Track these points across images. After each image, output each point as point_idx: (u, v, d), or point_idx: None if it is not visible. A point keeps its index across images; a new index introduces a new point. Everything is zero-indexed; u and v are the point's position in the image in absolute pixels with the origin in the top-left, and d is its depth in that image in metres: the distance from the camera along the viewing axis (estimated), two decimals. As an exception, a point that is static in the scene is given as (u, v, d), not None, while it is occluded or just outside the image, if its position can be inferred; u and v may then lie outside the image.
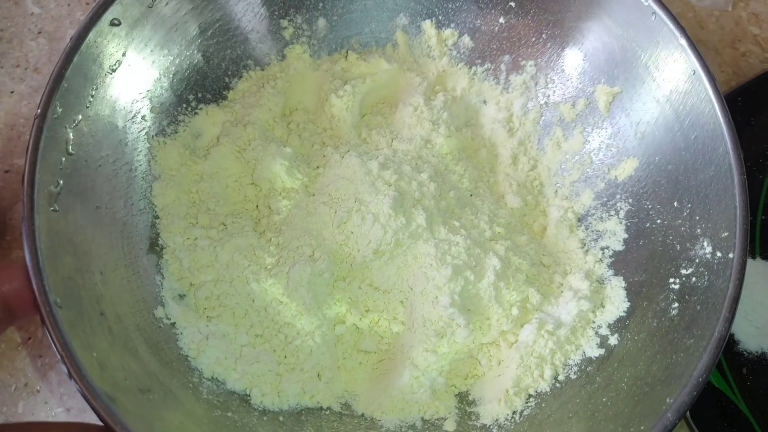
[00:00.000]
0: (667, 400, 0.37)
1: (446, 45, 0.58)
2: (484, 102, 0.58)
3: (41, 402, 0.50)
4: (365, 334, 0.48)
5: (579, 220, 0.53)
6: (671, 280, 0.44)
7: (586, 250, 0.51)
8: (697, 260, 0.44)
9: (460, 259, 0.47)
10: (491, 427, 0.44)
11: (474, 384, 0.47)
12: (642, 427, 0.37)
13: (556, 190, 0.54)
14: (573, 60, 0.54)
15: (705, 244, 0.44)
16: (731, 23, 0.67)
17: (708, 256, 0.43)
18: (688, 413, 0.47)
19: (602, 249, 0.50)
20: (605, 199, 0.52)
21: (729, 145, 0.44)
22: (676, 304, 0.43)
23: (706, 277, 0.42)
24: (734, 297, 0.40)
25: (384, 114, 0.57)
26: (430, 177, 0.51)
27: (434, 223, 0.49)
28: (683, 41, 0.47)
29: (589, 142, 0.54)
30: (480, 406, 0.45)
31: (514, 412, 0.44)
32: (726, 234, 0.42)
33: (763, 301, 0.52)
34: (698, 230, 0.44)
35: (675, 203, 0.47)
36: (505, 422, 0.44)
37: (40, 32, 0.62)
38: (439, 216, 0.49)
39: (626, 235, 0.50)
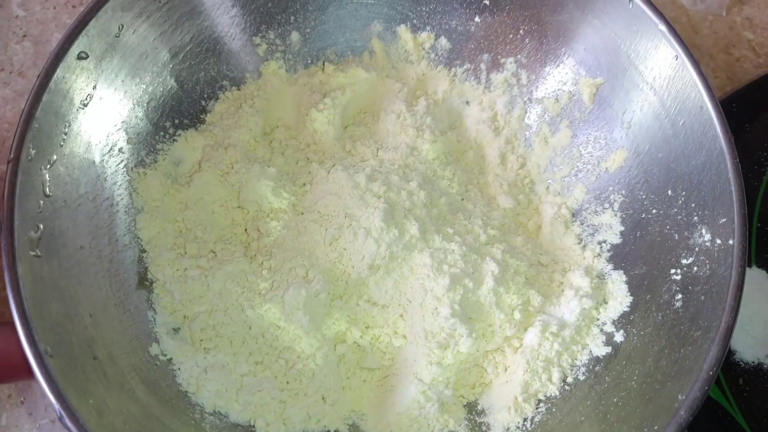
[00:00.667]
0: (679, 397, 0.37)
1: (423, 48, 0.57)
2: (467, 103, 0.57)
3: (25, 414, 0.49)
4: (367, 351, 0.47)
5: (573, 215, 0.52)
6: (672, 270, 0.44)
7: (584, 246, 0.50)
8: (696, 249, 0.43)
9: (457, 267, 0.46)
10: (504, 438, 0.43)
11: (482, 393, 0.46)
12: (656, 427, 0.36)
13: (548, 187, 0.54)
14: (553, 54, 0.54)
15: (703, 231, 0.43)
16: (725, 28, 0.66)
17: (708, 243, 0.42)
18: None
19: (600, 243, 0.50)
20: (598, 192, 0.51)
21: (718, 128, 0.43)
22: (680, 296, 0.43)
23: (708, 266, 0.42)
24: (738, 285, 0.39)
25: (367, 124, 0.56)
26: (419, 185, 0.50)
27: (428, 232, 0.48)
28: (663, 27, 0.46)
29: (576, 135, 0.53)
30: (490, 416, 0.44)
31: (525, 420, 0.43)
32: (724, 220, 0.42)
33: (760, 310, 0.51)
34: (695, 218, 0.44)
35: (669, 192, 0.46)
36: (517, 431, 0.43)
37: (25, 35, 0.61)
38: (431, 224, 0.49)
39: (623, 228, 0.49)
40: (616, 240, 0.49)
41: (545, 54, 0.54)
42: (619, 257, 0.48)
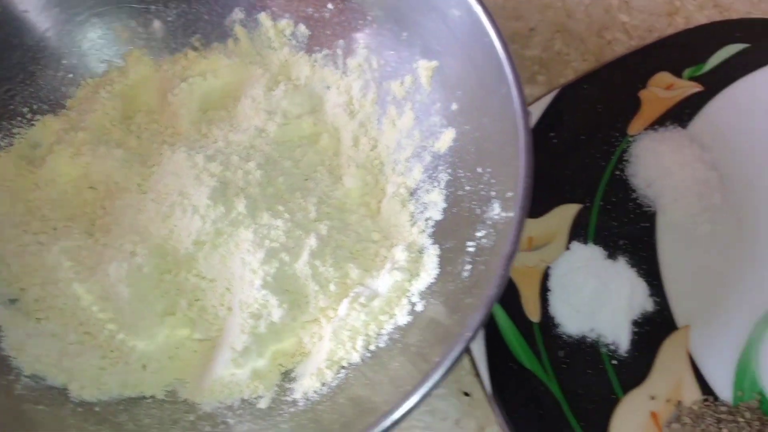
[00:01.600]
0: (435, 360, 0.38)
1: (284, 35, 0.59)
2: (328, 88, 0.59)
3: None
4: (197, 322, 0.49)
5: (411, 194, 0.54)
6: (469, 243, 0.45)
7: (414, 223, 0.52)
8: (489, 222, 0.45)
9: (278, 241, 0.48)
10: (299, 400, 0.45)
11: (300, 362, 0.48)
12: (408, 387, 0.38)
13: (394, 168, 0.55)
14: (396, 39, 0.55)
15: (496, 205, 0.44)
16: (600, 11, 0.67)
17: (497, 217, 0.44)
18: (492, 393, 0.48)
19: (426, 220, 0.51)
20: (431, 172, 0.53)
21: (516, 105, 0.44)
22: (469, 266, 0.44)
23: (493, 238, 0.43)
24: (508, 254, 0.40)
25: (228, 108, 0.59)
26: (259, 165, 0.52)
27: (257, 209, 0.50)
28: (478, 8, 0.48)
29: (418, 117, 0.55)
30: (297, 382, 0.46)
31: (323, 384, 0.45)
32: (511, 194, 0.43)
33: (585, 284, 0.52)
34: (492, 192, 0.45)
35: (479, 169, 0.48)
36: (313, 394, 0.45)
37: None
38: (263, 202, 0.51)
39: (445, 205, 0.51)
40: (439, 216, 0.50)
41: (390, 39, 0.56)
42: (438, 233, 0.50)
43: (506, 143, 0.45)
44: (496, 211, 0.44)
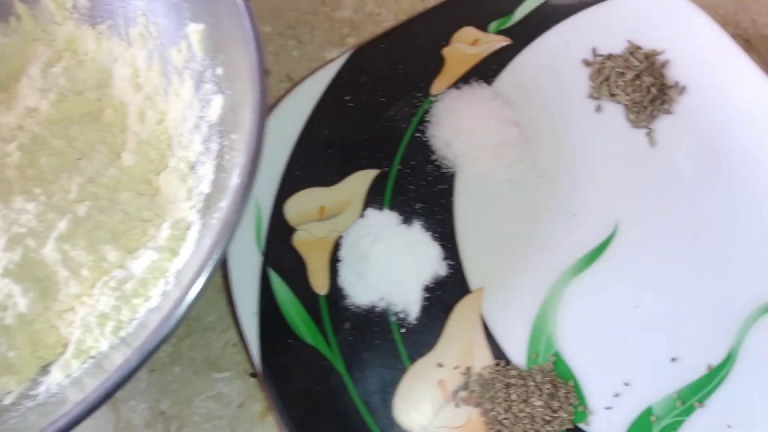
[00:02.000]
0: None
1: (66, 8, 0.56)
2: (115, 61, 0.56)
3: None
4: (-47, 319, 0.46)
5: (192, 168, 0.51)
6: (215, 215, 0.43)
7: (189, 198, 0.49)
8: (229, 191, 0.42)
9: (27, 226, 0.45)
10: (40, 394, 0.42)
11: (61, 353, 0.45)
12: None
13: (179, 141, 0.52)
14: (167, 3, 0.52)
15: (234, 174, 0.42)
16: None
17: (234, 185, 0.41)
18: (262, 370, 0.46)
19: (199, 194, 0.49)
20: (207, 143, 0.50)
21: (253, 64, 0.42)
22: (208, 240, 0.42)
23: (230, 207, 0.41)
24: (228, 223, 0.38)
25: (9, 90, 0.55)
26: (21, 146, 0.49)
27: (11, 193, 0.47)
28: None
29: (197, 86, 0.52)
30: (48, 375, 0.44)
31: (67, 376, 0.43)
32: (243, 160, 0.40)
33: (376, 251, 0.50)
34: (237, 160, 0.42)
35: (233, 135, 0.45)
36: (55, 387, 0.42)
37: None
38: (19, 185, 0.48)
39: (213, 176, 0.48)
40: (208, 189, 0.48)
41: (162, 4, 0.52)
42: (205, 207, 0.47)
43: (247, 110, 0.42)
44: (235, 179, 0.42)
